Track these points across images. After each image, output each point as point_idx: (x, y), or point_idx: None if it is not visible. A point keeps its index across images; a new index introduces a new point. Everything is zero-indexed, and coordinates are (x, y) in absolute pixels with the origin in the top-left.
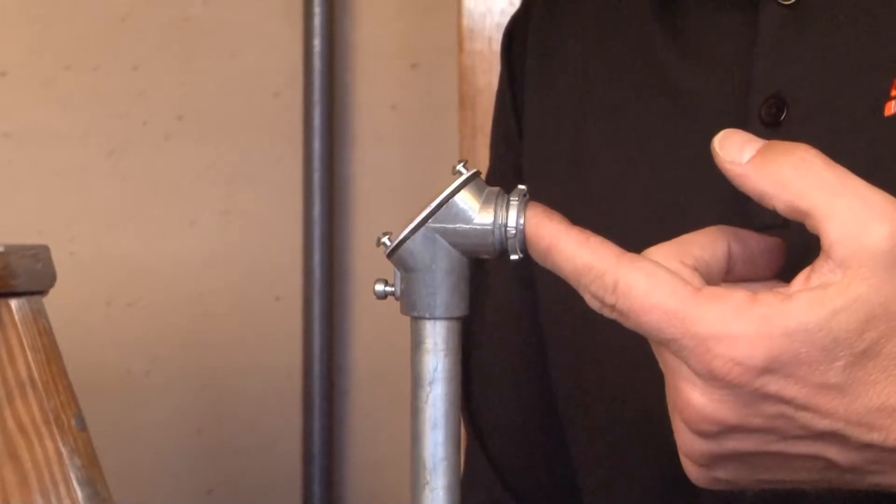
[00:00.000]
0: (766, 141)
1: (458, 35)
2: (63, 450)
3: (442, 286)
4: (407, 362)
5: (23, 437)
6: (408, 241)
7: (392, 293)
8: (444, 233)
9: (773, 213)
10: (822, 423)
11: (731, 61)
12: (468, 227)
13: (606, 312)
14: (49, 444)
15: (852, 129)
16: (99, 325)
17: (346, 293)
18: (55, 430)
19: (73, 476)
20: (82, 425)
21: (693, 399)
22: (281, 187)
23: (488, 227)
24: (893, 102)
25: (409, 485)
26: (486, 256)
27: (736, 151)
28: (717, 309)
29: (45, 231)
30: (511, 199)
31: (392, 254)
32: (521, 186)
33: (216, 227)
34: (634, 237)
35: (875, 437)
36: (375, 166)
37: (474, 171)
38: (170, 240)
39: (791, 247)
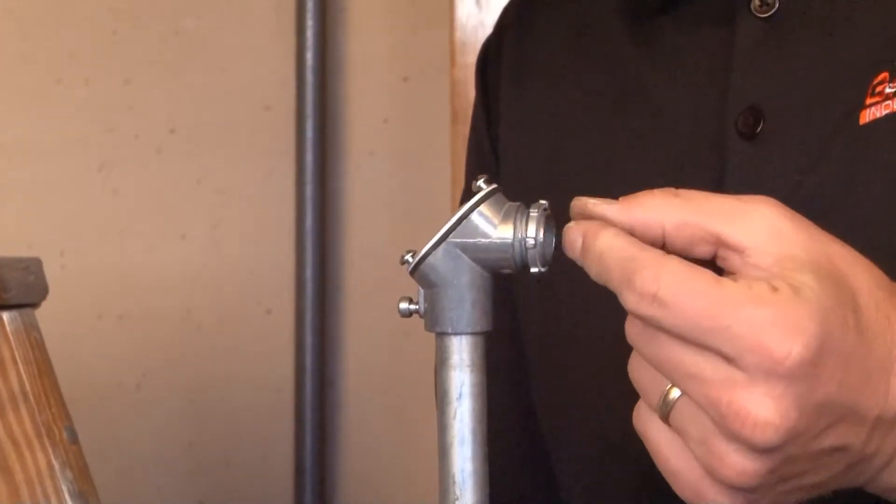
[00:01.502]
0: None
1: (451, 49)
2: (55, 463)
3: (465, 301)
4: (399, 374)
5: (15, 450)
6: (429, 257)
7: (416, 311)
8: (465, 248)
9: None
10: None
11: (707, 74)
12: (488, 241)
13: (644, 307)
14: (41, 456)
15: (829, 138)
16: (90, 338)
17: (338, 306)
18: (47, 443)
19: (64, 489)
20: (74, 438)
21: (755, 405)
22: (273, 200)
23: (508, 241)
24: (868, 111)
25: (438, 501)
26: (507, 271)
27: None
28: (757, 297)
29: (36, 244)
30: (531, 212)
31: (415, 270)
32: (542, 201)
33: (207, 240)
34: None
35: (877, 406)
36: (367, 179)
37: (494, 186)
38: (161, 253)
39: None
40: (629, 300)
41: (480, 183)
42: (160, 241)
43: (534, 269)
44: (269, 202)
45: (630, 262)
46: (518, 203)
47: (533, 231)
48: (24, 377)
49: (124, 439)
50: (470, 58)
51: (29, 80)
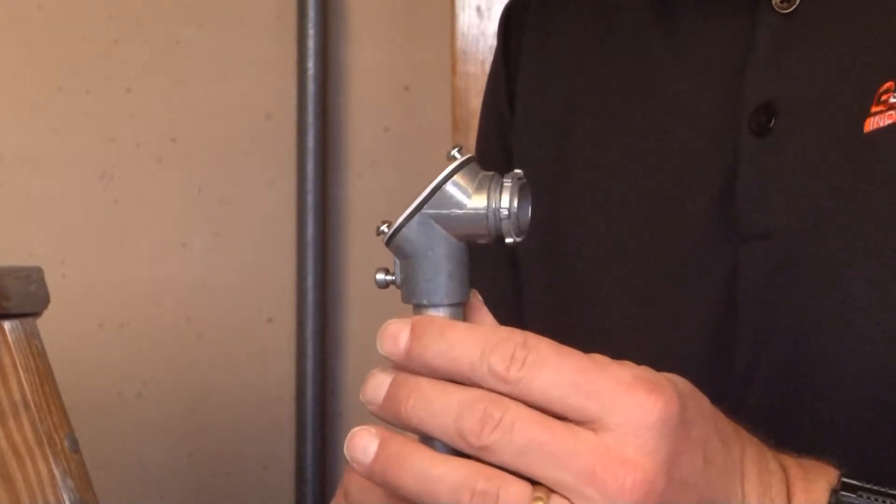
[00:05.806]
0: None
1: (452, 58)
2: (56, 471)
3: (441, 272)
4: None
5: (16, 458)
6: (404, 229)
7: (393, 282)
8: (439, 218)
9: (758, 219)
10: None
11: (725, 67)
12: (462, 212)
13: (514, 371)
14: (42, 465)
15: (834, 143)
16: (91, 346)
17: (339, 315)
18: (48, 452)
19: (65, 497)
20: (75, 447)
21: (631, 454)
22: (274, 209)
23: (482, 212)
24: (872, 119)
25: None
26: (482, 241)
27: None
28: (623, 368)
29: (37, 253)
30: (505, 181)
31: (390, 241)
32: (517, 171)
33: (208, 248)
34: (620, 231)
35: None
36: (368, 188)
37: (468, 155)
38: (162, 262)
39: (771, 255)
40: (492, 375)
41: (454, 153)
42: (161, 250)
43: (508, 240)
44: (270, 211)
45: (491, 334)
46: (492, 173)
47: (507, 201)
48: (25, 385)
49: (125, 448)
50: (471, 67)
51: (30, 89)
